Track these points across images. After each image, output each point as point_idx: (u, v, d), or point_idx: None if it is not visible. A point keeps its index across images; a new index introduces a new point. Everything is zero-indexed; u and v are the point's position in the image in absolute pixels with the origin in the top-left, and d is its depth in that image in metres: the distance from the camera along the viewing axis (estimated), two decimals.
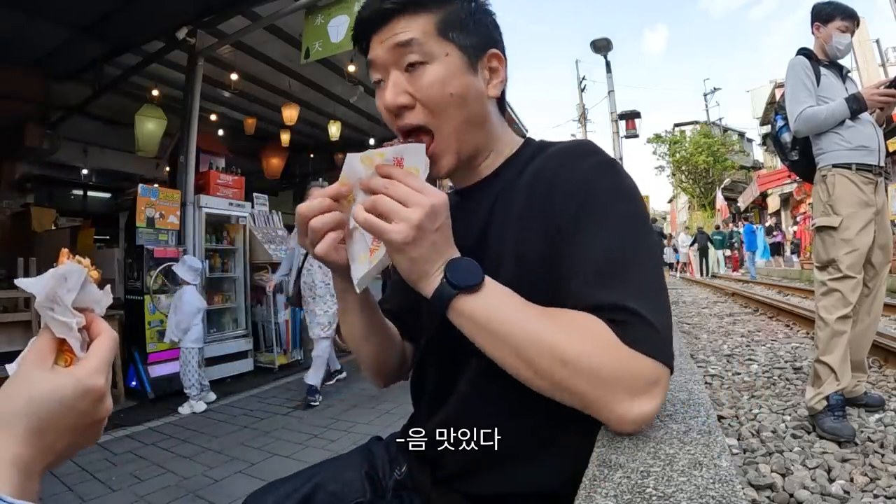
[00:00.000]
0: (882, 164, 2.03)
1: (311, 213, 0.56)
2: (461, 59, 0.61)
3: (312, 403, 3.34)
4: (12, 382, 0.36)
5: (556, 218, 0.56)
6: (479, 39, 0.63)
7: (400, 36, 0.59)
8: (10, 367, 0.38)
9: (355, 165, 0.56)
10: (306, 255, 3.41)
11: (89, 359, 0.38)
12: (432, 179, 0.59)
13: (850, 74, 2.20)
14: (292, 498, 0.67)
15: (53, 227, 6.37)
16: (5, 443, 0.34)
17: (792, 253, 13.76)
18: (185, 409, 3.30)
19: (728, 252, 15.30)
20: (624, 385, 0.47)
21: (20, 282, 0.38)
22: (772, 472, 1.66)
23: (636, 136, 12.12)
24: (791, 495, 1.50)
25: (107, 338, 0.40)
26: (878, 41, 11.83)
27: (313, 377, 3.44)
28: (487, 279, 0.52)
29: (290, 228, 5.48)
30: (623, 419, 0.48)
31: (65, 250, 0.40)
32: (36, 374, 0.36)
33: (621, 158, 11.81)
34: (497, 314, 0.50)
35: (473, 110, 0.62)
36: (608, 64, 11.67)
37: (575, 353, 0.47)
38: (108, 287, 0.42)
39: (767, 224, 14.87)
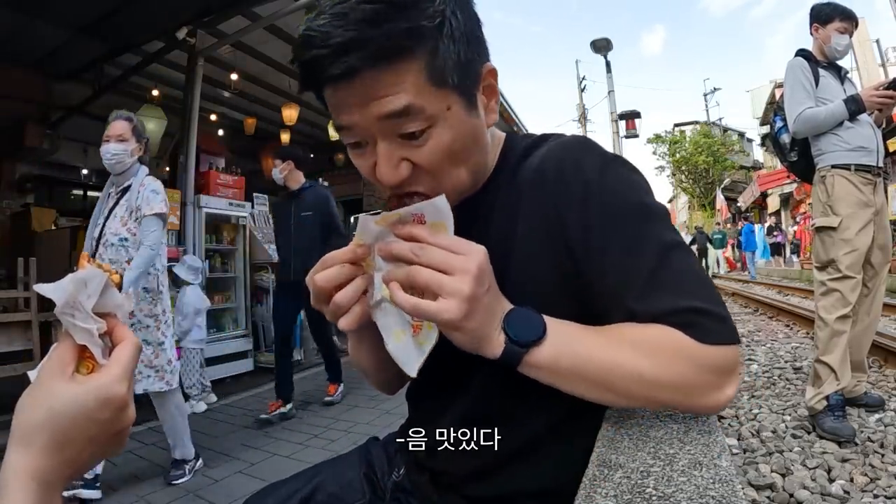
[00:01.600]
0: (881, 164, 2.04)
1: (329, 285, 0.50)
2: (463, 105, 0.50)
3: (174, 482, 2.15)
4: (32, 393, 0.36)
5: (571, 231, 0.52)
6: (476, 65, 0.51)
7: (389, 104, 0.46)
8: (32, 374, 0.37)
9: (369, 226, 0.49)
10: None
11: (111, 366, 0.37)
12: None
13: (848, 75, 2.20)
14: (292, 500, 0.67)
15: (53, 227, 6.36)
16: (25, 457, 0.33)
17: (792, 253, 13.75)
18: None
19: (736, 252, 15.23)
20: (710, 382, 0.48)
21: (39, 287, 0.37)
22: (772, 472, 1.66)
23: (636, 136, 12.13)
24: (791, 495, 1.50)
25: (129, 344, 0.39)
26: (878, 41, 11.84)
27: (180, 449, 2.23)
28: (547, 321, 0.49)
29: None
30: (715, 408, 0.50)
31: (85, 254, 0.39)
32: (56, 384, 0.35)
33: None
34: (569, 356, 0.48)
35: (476, 157, 0.55)
36: (608, 64, 11.68)
37: (659, 371, 0.47)
38: (130, 290, 0.41)
39: (767, 224, 14.85)
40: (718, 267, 14.63)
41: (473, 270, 0.44)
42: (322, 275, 0.51)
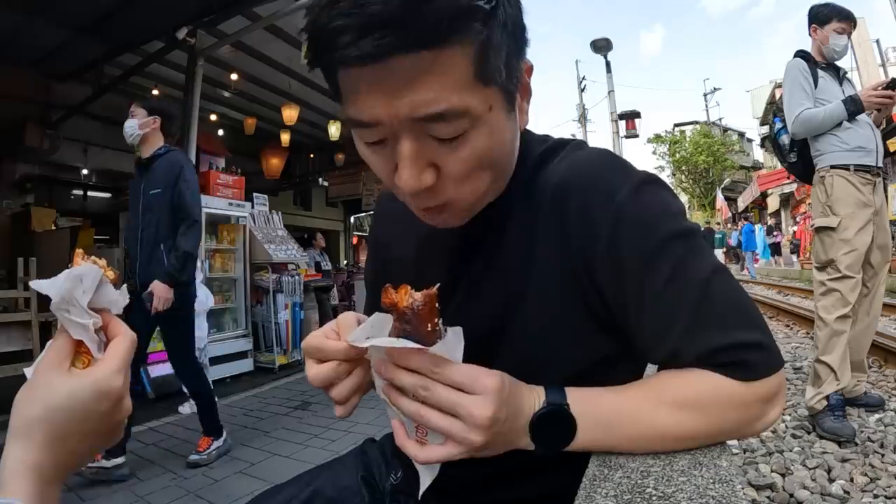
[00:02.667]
0: (880, 164, 2.04)
1: (323, 385, 0.49)
2: (504, 107, 0.44)
3: None
4: (30, 387, 0.36)
5: (600, 269, 0.49)
6: (520, 60, 0.45)
7: (427, 105, 0.38)
8: (28, 371, 0.37)
9: (361, 338, 0.45)
10: None
11: (107, 360, 0.38)
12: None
13: (847, 76, 2.21)
14: (303, 491, 0.65)
15: (53, 227, 6.36)
16: (25, 451, 0.34)
17: (791, 252, 13.69)
18: (185, 409, 3.30)
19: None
20: (758, 413, 0.48)
21: (36, 283, 0.37)
22: (772, 472, 1.67)
23: (636, 136, 12.11)
24: (791, 495, 1.50)
25: (124, 338, 0.40)
26: (878, 41, 11.84)
27: None
28: (578, 408, 0.45)
29: (289, 228, 5.49)
30: (762, 430, 0.50)
31: (79, 251, 0.40)
32: (53, 378, 0.36)
33: None
34: (613, 440, 0.46)
35: (504, 165, 0.49)
36: (608, 64, 11.67)
37: (711, 427, 0.47)
38: (124, 287, 0.42)
39: (767, 224, 14.81)
40: None
41: (485, 421, 0.40)
42: (315, 373, 0.48)
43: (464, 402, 0.40)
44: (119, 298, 0.41)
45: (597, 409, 0.46)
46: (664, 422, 0.46)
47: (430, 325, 0.40)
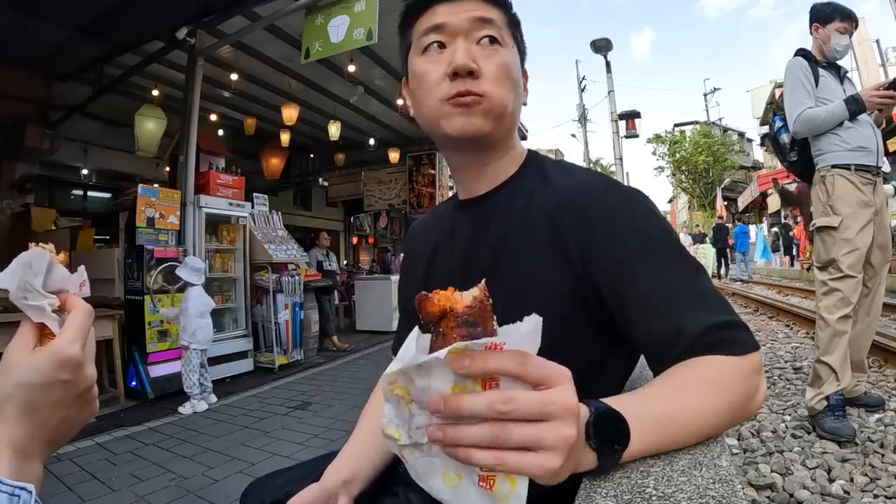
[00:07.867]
0: (881, 164, 2.04)
1: None
2: (517, 58, 0.65)
3: None
4: None
5: (600, 258, 0.55)
6: (524, 57, 0.68)
7: (484, 13, 0.61)
8: None
9: (410, 362, 0.34)
10: None
11: (63, 332, 0.40)
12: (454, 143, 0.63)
13: (848, 75, 2.20)
14: (304, 482, 0.65)
15: (53, 227, 6.35)
16: None
17: (774, 251, 13.41)
18: (185, 409, 3.30)
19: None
20: (755, 386, 0.51)
21: None
22: (772, 472, 1.67)
23: (636, 136, 12.13)
24: (791, 495, 1.50)
25: (79, 310, 0.41)
26: (878, 41, 11.82)
27: None
28: (625, 407, 0.43)
29: (289, 228, 5.49)
30: (758, 406, 0.53)
31: (31, 244, 0.42)
32: (18, 358, 0.38)
33: (621, 158, 11.80)
34: (659, 437, 0.46)
35: (517, 104, 0.64)
36: (608, 64, 11.67)
37: (728, 405, 0.50)
38: (81, 267, 0.44)
39: (770, 222, 14.61)
40: (725, 268, 13.88)
41: (574, 406, 0.36)
42: None
43: (550, 400, 0.35)
44: (72, 277, 0.42)
45: (639, 409, 0.44)
46: (701, 405, 0.48)
47: (493, 322, 0.35)
